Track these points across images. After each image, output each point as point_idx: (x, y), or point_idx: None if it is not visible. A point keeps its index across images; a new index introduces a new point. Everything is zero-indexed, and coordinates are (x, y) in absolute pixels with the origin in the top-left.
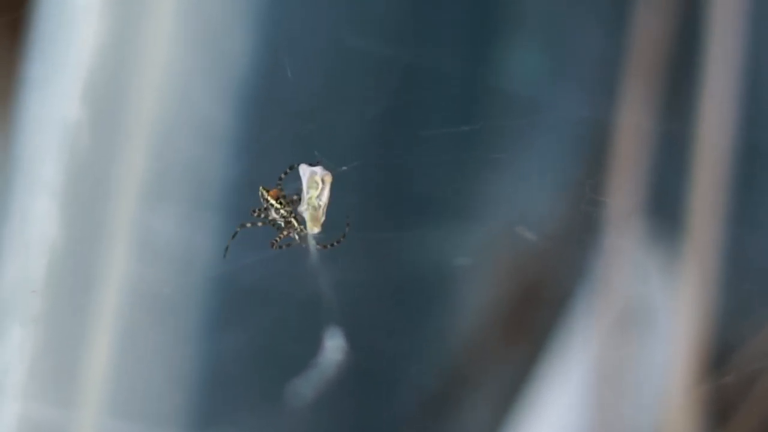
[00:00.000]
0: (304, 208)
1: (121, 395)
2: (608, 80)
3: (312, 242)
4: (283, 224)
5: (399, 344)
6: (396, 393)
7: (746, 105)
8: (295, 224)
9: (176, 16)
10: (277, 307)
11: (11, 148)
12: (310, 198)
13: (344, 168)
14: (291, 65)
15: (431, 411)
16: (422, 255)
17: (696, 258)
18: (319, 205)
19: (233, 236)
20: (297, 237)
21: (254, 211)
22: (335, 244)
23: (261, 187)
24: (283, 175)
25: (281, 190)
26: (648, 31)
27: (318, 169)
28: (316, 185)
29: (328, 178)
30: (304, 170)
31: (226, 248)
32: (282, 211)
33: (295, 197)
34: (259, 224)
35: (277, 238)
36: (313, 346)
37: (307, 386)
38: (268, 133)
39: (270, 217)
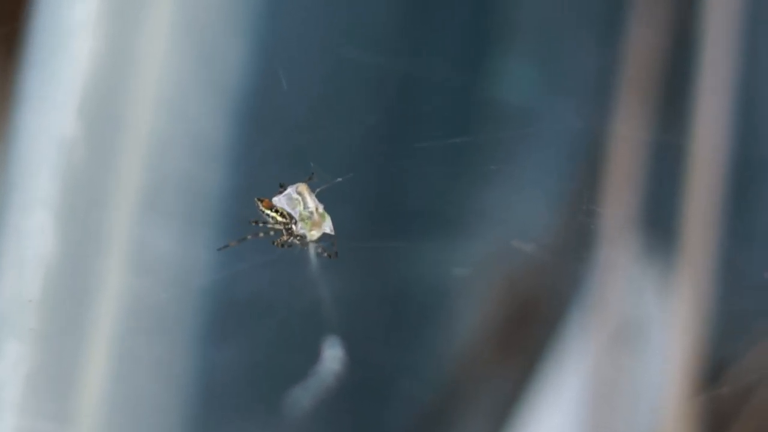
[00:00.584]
0: (300, 226)
1: (118, 408)
2: (603, 92)
3: (312, 249)
4: (283, 231)
5: (394, 357)
6: (391, 406)
7: (740, 118)
8: (295, 230)
9: (171, 31)
10: (272, 319)
11: (7, 162)
12: (300, 214)
13: (339, 179)
14: (286, 78)
15: (426, 425)
16: (417, 267)
17: (690, 272)
18: (310, 213)
19: (238, 241)
20: (298, 242)
21: (254, 222)
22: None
23: (256, 199)
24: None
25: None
26: (642, 43)
27: (289, 188)
28: (297, 201)
29: (302, 188)
30: (280, 199)
31: (226, 246)
32: (278, 219)
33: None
34: (261, 234)
35: (278, 241)
36: (310, 357)
37: (303, 397)
38: (263, 146)
39: (269, 226)
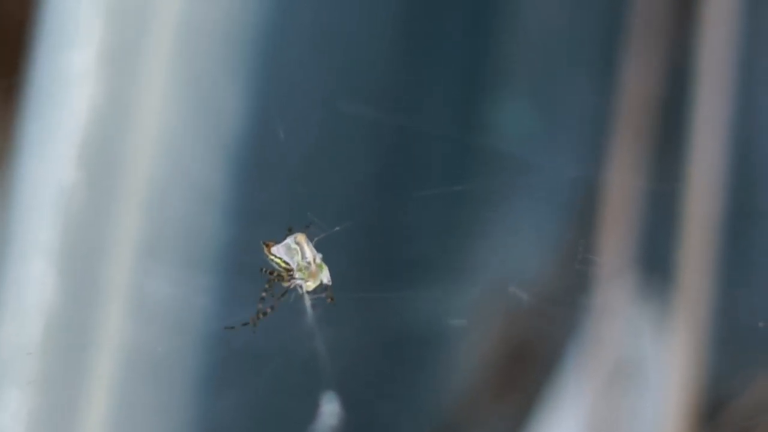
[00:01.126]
0: (298, 276)
1: None
2: (598, 140)
3: (308, 300)
4: (285, 276)
5: (392, 402)
6: None
7: (735, 164)
8: (296, 276)
9: (169, 79)
10: (272, 368)
11: (6, 211)
12: (297, 264)
13: (337, 228)
14: (283, 127)
15: None
16: (414, 314)
17: (687, 315)
18: (308, 263)
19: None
20: (299, 289)
21: (262, 270)
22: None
23: (262, 242)
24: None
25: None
26: (637, 91)
27: (288, 239)
28: (295, 251)
29: (300, 238)
30: (278, 249)
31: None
32: (283, 265)
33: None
34: (266, 291)
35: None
36: (309, 406)
37: None
38: (260, 194)
39: (275, 272)
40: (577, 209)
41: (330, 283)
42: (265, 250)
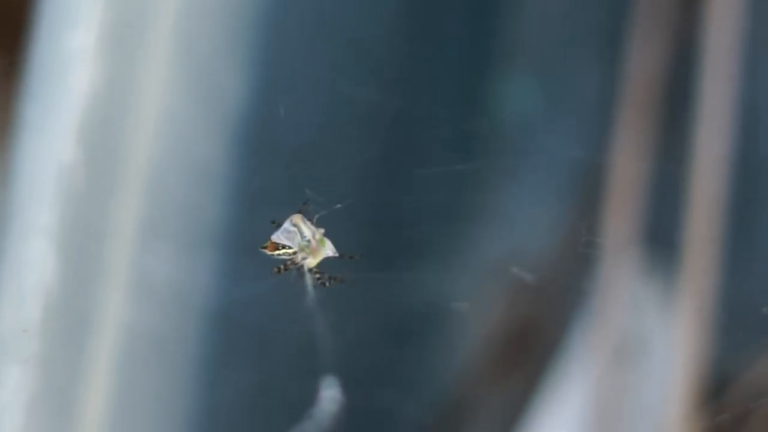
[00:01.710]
0: (301, 256)
1: None
2: (602, 120)
3: (309, 279)
4: (295, 261)
5: (395, 381)
6: (393, 430)
7: (740, 144)
8: (296, 260)
9: (171, 60)
10: (273, 347)
11: (7, 191)
12: (299, 245)
13: (338, 206)
14: (284, 107)
15: None
16: (417, 294)
17: (691, 293)
18: (308, 241)
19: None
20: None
21: (276, 270)
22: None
23: (260, 248)
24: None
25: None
26: (641, 71)
27: (285, 223)
28: (294, 233)
29: (296, 219)
30: (278, 236)
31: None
32: (290, 253)
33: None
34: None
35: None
36: (310, 387)
37: (304, 428)
38: (261, 173)
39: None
40: (581, 190)
41: (336, 255)
42: (269, 251)
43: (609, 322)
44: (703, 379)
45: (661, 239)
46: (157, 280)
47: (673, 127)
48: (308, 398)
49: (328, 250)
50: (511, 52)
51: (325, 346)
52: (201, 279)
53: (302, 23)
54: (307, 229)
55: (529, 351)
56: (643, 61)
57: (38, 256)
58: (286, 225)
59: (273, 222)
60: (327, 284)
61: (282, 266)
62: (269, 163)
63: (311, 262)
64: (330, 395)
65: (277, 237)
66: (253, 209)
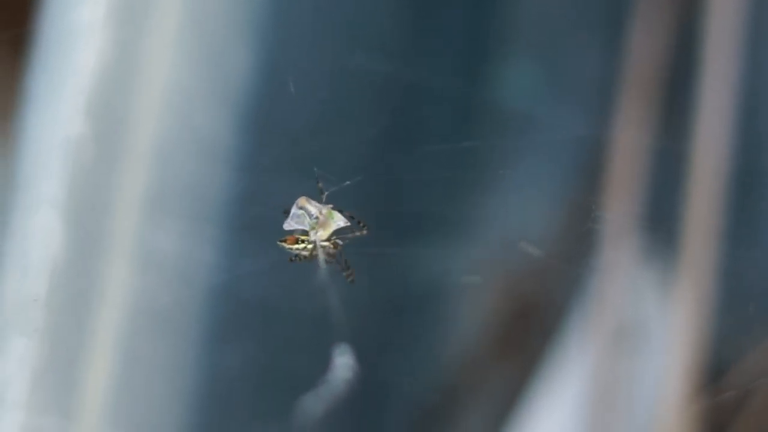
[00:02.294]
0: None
1: (122, 408)
2: (605, 98)
3: (321, 254)
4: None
5: (396, 360)
6: (392, 408)
7: (742, 123)
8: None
9: (178, 35)
10: (277, 322)
11: (14, 163)
12: (309, 225)
13: (347, 183)
14: (292, 83)
15: (427, 426)
16: (420, 271)
17: (691, 275)
18: (316, 218)
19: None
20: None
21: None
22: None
23: (278, 243)
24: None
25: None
26: (644, 49)
27: (292, 210)
28: (303, 216)
29: (301, 201)
30: (290, 224)
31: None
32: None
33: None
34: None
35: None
36: (316, 361)
37: (311, 402)
38: (269, 149)
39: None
40: (584, 166)
41: (348, 223)
42: (287, 244)
43: (608, 306)
44: (702, 362)
45: (661, 223)
46: (163, 254)
47: (675, 108)
48: (313, 372)
49: (339, 221)
50: (517, 28)
51: (332, 322)
52: (206, 254)
53: None
54: (313, 208)
55: (529, 333)
56: (646, 38)
57: (44, 229)
58: (293, 211)
59: (285, 212)
60: (347, 274)
61: (296, 257)
62: (276, 138)
63: (322, 234)
64: (343, 362)
65: (288, 224)
66: (260, 184)
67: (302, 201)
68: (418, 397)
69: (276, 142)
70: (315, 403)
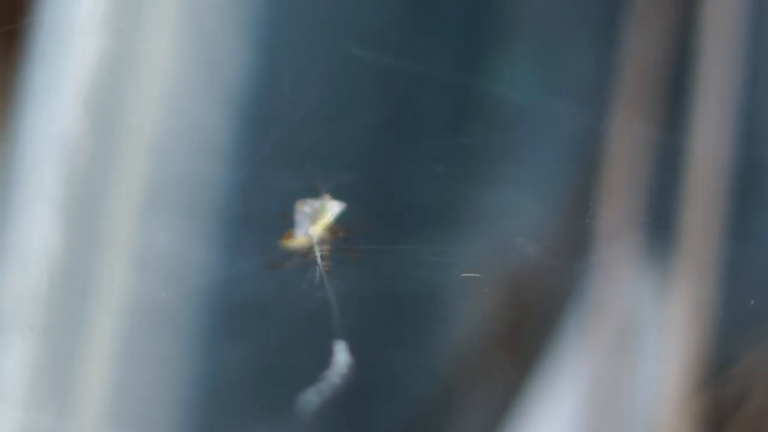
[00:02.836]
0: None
1: (118, 405)
2: (604, 94)
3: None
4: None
5: (396, 357)
6: (392, 405)
7: (741, 118)
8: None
9: (175, 30)
10: (275, 318)
11: (11, 159)
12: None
13: (344, 178)
14: (289, 77)
15: (427, 423)
16: (418, 268)
17: (689, 273)
18: (310, 216)
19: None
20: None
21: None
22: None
23: (282, 242)
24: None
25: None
26: (642, 44)
27: (297, 218)
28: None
29: (299, 206)
30: (295, 230)
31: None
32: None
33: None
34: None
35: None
36: (313, 357)
37: (309, 399)
38: (265, 144)
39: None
40: (583, 162)
41: (344, 207)
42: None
43: (607, 306)
44: (700, 360)
45: (660, 219)
46: (160, 251)
47: (673, 103)
48: (310, 369)
49: (333, 207)
50: (517, 21)
51: (329, 318)
52: (203, 250)
53: None
54: (308, 207)
55: (529, 331)
56: (645, 32)
57: (42, 224)
58: (296, 218)
59: (282, 215)
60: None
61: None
62: (273, 132)
63: (316, 229)
64: (341, 359)
65: (295, 231)
66: (257, 179)
67: (300, 206)
68: (417, 393)
69: (273, 135)
70: (313, 399)
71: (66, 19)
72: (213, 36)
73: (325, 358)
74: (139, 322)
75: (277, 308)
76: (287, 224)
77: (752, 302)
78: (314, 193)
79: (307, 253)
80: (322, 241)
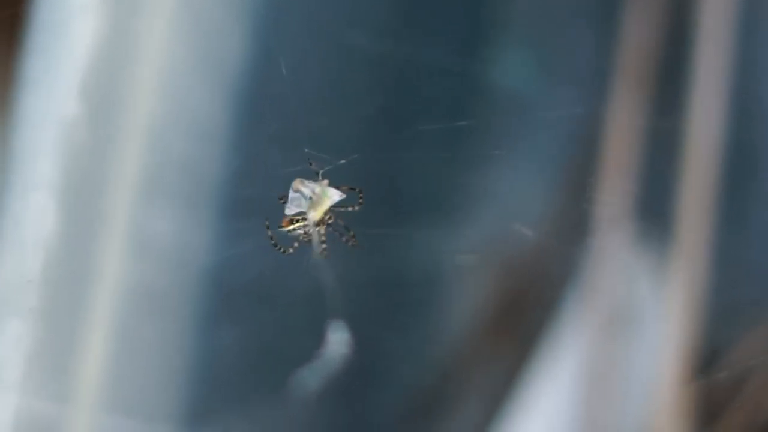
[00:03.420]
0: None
1: (117, 390)
2: (600, 78)
3: (316, 236)
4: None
5: (391, 342)
6: (387, 391)
7: (737, 104)
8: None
9: (172, 14)
10: (272, 303)
11: (8, 144)
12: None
13: (342, 161)
14: (286, 62)
15: (423, 409)
16: (415, 252)
17: (685, 259)
18: (310, 198)
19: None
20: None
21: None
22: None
23: (278, 229)
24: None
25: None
26: (638, 28)
27: (290, 194)
28: (299, 198)
29: (295, 184)
30: (290, 208)
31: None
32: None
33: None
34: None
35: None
36: (311, 341)
37: (307, 382)
38: (263, 129)
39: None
40: (579, 147)
41: (343, 197)
42: (284, 227)
43: (602, 292)
44: (696, 346)
45: (655, 208)
46: (158, 235)
47: (670, 88)
48: (308, 353)
49: (334, 195)
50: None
51: (326, 303)
52: (201, 234)
53: None
54: (307, 188)
55: (525, 313)
56: (641, 19)
57: (39, 210)
58: (291, 195)
59: (280, 198)
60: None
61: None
62: (271, 118)
63: (314, 215)
64: (338, 338)
65: (288, 209)
66: (255, 165)
67: (296, 184)
68: (414, 378)
69: (270, 121)
70: (310, 384)
71: (63, 4)
72: (211, 21)
73: (322, 343)
74: (137, 306)
75: (276, 292)
76: (285, 208)
77: (747, 288)
78: (312, 178)
79: (305, 237)
80: (319, 226)
